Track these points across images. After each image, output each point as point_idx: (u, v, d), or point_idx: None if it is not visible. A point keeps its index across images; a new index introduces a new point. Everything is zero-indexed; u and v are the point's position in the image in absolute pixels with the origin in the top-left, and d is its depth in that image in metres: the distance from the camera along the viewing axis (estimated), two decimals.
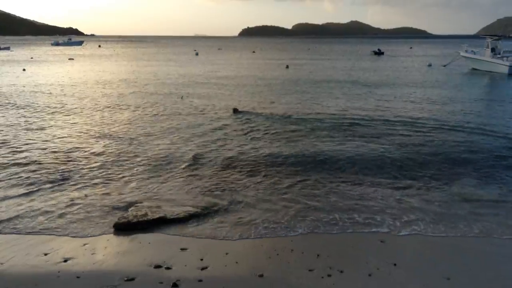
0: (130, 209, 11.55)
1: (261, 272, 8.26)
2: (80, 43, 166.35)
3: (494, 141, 18.69)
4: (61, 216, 11.23)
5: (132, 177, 14.31)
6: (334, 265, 8.55)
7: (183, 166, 15.37)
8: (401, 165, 15.37)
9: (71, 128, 21.47)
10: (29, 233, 10.19)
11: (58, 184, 13.58)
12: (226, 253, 9.14)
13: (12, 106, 28.03)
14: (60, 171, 14.78)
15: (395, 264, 8.61)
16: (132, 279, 7.97)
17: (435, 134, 19.95)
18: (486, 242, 9.80)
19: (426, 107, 27.90)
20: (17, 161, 15.79)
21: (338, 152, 16.89)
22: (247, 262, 8.74)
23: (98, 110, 26.63)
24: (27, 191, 12.99)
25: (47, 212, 11.45)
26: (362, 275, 8.20)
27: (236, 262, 8.74)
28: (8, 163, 15.59)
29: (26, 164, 15.43)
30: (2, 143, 18.27)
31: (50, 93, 34.43)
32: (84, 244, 9.63)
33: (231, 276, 8.16)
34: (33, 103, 29.16)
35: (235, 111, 25.88)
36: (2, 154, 16.68)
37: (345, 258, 8.95)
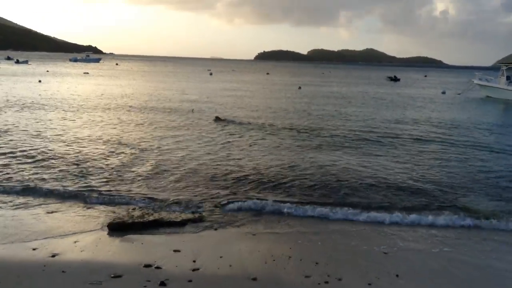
0: (127, 210, 11.29)
1: (255, 276, 7.83)
2: (97, 60, 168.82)
3: None
4: (53, 213, 10.99)
5: (131, 179, 14.09)
6: (333, 273, 8.09)
7: (182, 172, 15.16)
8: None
9: (84, 130, 21.45)
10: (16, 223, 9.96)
11: (55, 181, 13.43)
12: (220, 257, 8.73)
13: (23, 109, 28.22)
14: (59, 170, 14.62)
15: (397, 275, 8.13)
16: (119, 276, 7.59)
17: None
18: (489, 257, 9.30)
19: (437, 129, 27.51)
20: (16, 156, 15.73)
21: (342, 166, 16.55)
22: (242, 266, 8.32)
23: (107, 117, 26.65)
24: (24, 186, 12.89)
25: (40, 208, 11.22)
26: (361, 283, 7.72)
27: (230, 265, 8.32)
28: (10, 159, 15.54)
29: (23, 162, 15.34)
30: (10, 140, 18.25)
31: (63, 99, 34.72)
32: (75, 242, 9.31)
33: (223, 278, 7.75)
34: (44, 108, 29.35)
35: (217, 119, 27.63)
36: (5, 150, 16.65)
37: (344, 267, 8.47)
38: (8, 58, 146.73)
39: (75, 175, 14.36)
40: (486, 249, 9.77)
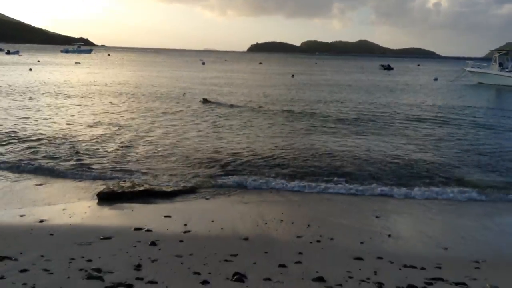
0: (117, 182, 11.13)
1: (247, 236, 7.75)
2: (89, 51, 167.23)
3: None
4: (42, 185, 10.87)
5: (123, 154, 13.99)
6: (324, 234, 8.04)
7: (171, 150, 15.06)
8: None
9: (76, 113, 21.23)
10: (6, 194, 9.80)
11: (47, 159, 13.27)
12: (212, 221, 8.64)
13: (14, 95, 27.87)
14: (50, 149, 14.45)
15: (389, 235, 8.09)
16: (109, 238, 7.46)
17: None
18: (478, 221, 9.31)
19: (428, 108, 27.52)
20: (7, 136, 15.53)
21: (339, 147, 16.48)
22: (233, 229, 8.24)
23: (97, 100, 26.41)
24: (13, 163, 12.72)
25: (30, 181, 11.08)
26: (353, 242, 7.67)
27: (221, 228, 8.24)
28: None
29: (13, 142, 15.15)
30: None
31: (54, 85, 34.35)
32: (63, 209, 9.17)
33: (214, 238, 7.67)
34: (34, 93, 29.01)
35: (205, 101, 28.36)
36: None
37: (336, 228, 8.44)
38: None
39: (66, 154, 14.10)
40: (479, 213, 9.78)
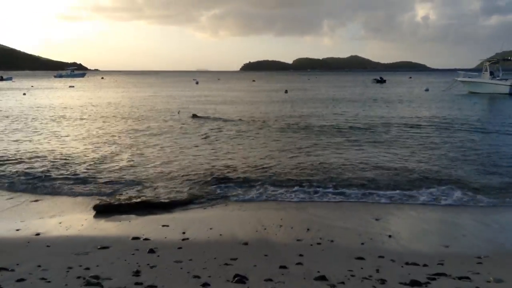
0: (113, 195, 11.05)
1: (246, 241, 7.68)
2: (83, 75, 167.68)
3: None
4: (37, 201, 10.77)
5: (119, 169, 13.90)
6: (324, 236, 7.99)
7: (166, 162, 15.07)
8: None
9: (71, 133, 21.15)
10: (1, 211, 9.67)
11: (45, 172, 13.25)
12: (210, 228, 8.56)
13: (8, 118, 27.80)
14: (44, 166, 14.34)
15: (390, 236, 8.03)
16: (106, 247, 7.36)
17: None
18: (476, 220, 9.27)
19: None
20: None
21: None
22: (232, 235, 8.16)
23: (93, 120, 26.38)
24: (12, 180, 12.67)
25: (25, 197, 10.98)
26: (354, 243, 7.61)
27: (220, 235, 8.16)
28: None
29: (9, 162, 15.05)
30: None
31: (48, 108, 34.30)
32: (60, 223, 9.07)
33: (213, 244, 7.58)
34: (29, 116, 28.93)
35: (194, 116, 29.16)
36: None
37: (336, 231, 8.39)
38: None
39: (61, 171, 13.93)
40: (478, 212, 9.75)
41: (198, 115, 29.51)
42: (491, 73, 54.82)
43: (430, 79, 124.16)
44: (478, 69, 72.16)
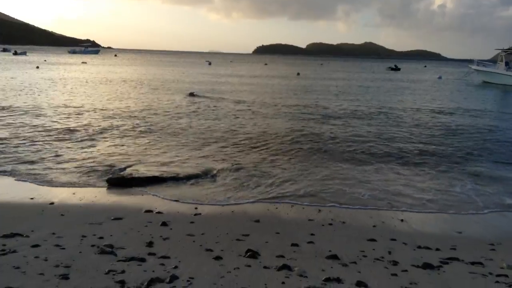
0: (127, 168, 11.13)
1: (258, 218, 7.70)
2: (96, 52, 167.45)
3: None
4: (53, 169, 10.86)
5: (133, 144, 13.99)
6: (336, 218, 7.99)
7: (180, 136, 15.37)
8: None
9: (82, 106, 21.24)
10: (18, 180, 9.77)
11: (63, 141, 13.60)
12: (223, 205, 8.59)
13: (22, 90, 27.95)
14: (62, 141, 14.44)
15: (402, 220, 8.01)
16: (120, 218, 7.43)
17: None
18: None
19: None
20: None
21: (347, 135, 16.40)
22: (244, 212, 8.20)
23: (103, 95, 26.46)
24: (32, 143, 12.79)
25: (42, 162, 11.11)
26: (365, 225, 7.60)
27: (232, 211, 8.20)
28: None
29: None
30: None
31: (59, 81, 34.45)
32: (73, 193, 9.15)
33: (225, 219, 7.61)
34: (41, 89, 29.09)
35: (191, 94, 29.78)
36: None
37: (348, 213, 8.38)
38: (4, 50, 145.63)
39: (76, 145, 14.02)
40: (490, 201, 9.66)
41: (195, 93, 30.16)
42: (507, 64, 53.87)
43: (444, 68, 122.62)
44: (493, 60, 71.09)
